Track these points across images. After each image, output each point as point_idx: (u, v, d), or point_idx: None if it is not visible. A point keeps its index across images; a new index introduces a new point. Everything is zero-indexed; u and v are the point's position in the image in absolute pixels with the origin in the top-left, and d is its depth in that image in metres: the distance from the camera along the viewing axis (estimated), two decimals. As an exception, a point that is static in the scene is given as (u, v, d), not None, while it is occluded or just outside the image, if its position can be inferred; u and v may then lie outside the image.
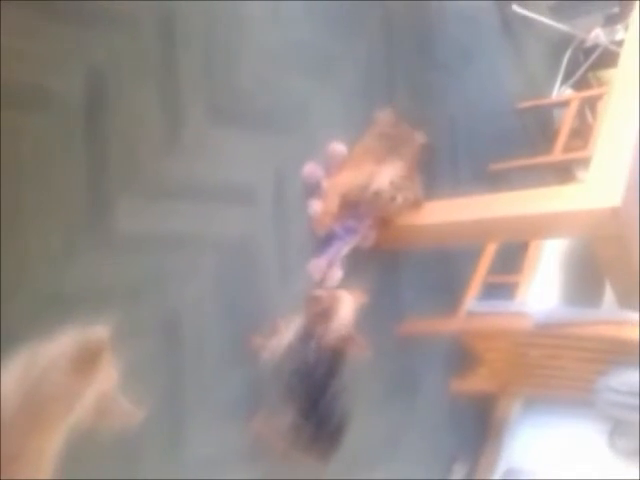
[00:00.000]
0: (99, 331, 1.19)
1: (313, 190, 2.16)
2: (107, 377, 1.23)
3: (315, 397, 1.74)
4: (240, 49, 2.04)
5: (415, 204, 2.18)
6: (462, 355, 2.49)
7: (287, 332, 1.83)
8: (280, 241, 2.07)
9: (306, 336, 1.78)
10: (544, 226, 2.01)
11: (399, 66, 2.59)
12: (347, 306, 1.78)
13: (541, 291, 2.54)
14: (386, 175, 2.12)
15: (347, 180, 2.14)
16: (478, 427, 2.76)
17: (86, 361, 1.17)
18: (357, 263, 2.21)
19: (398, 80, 2.59)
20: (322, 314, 1.77)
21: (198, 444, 1.80)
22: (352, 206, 2.13)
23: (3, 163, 1.51)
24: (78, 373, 1.18)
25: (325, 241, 2.15)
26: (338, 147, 2.25)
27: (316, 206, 2.14)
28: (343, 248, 2.16)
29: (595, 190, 1.89)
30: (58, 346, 1.21)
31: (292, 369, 1.77)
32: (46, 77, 1.60)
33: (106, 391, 1.23)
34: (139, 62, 1.78)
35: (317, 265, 2.11)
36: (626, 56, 2.20)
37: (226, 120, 1.97)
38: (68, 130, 1.63)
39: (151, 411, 1.64)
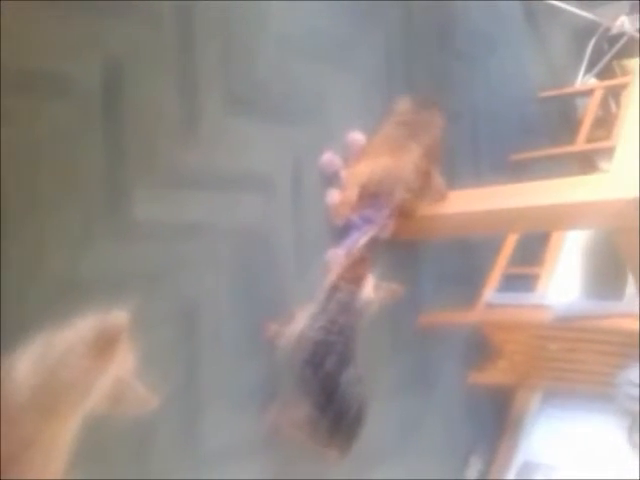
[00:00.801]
0: (117, 317, 1.19)
1: (331, 179, 2.15)
2: (124, 363, 1.24)
3: (330, 389, 1.71)
4: (258, 38, 2.02)
5: (437, 195, 2.15)
6: (480, 347, 2.47)
7: (301, 320, 1.82)
8: (297, 230, 2.06)
9: (322, 318, 1.76)
10: (566, 216, 1.98)
11: (419, 54, 2.56)
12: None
13: (562, 283, 2.51)
14: (406, 165, 2.09)
15: (366, 170, 2.11)
16: (495, 420, 2.74)
17: (103, 347, 1.17)
18: (376, 253, 2.20)
19: (418, 68, 2.55)
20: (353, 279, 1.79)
21: (212, 433, 1.80)
22: (371, 196, 2.11)
23: (21, 149, 1.52)
24: (95, 359, 1.18)
25: (343, 231, 2.13)
26: (357, 136, 2.24)
27: (334, 196, 2.13)
28: (361, 238, 2.15)
29: (617, 180, 1.85)
30: (76, 332, 1.22)
31: (304, 359, 1.75)
32: (65, 64, 1.60)
33: (122, 377, 1.23)
34: (157, 51, 1.77)
35: (335, 255, 2.10)
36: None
37: (244, 109, 1.96)
38: (86, 117, 1.63)
39: (166, 399, 1.65)
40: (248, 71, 1.99)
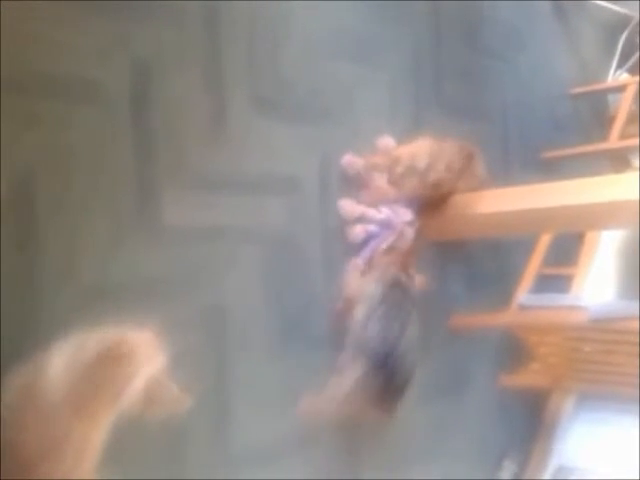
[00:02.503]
0: (147, 319, 1.19)
1: (352, 181, 2.12)
2: (156, 364, 1.23)
3: (391, 347, 1.78)
4: (284, 38, 2.01)
5: (476, 181, 2.11)
6: (513, 349, 2.43)
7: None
8: (325, 232, 2.04)
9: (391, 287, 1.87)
10: (599, 216, 1.93)
11: (447, 52, 2.53)
12: None
13: (597, 284, 2.46)
14: (449, 145, 2.05)
15: (405, 151, 2.07)
16: (529, 423, 2.69)
17: (135, 349, 1.18)
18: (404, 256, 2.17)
19: (446, 66, 2.52)
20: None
21: (242, 434, 1.80)
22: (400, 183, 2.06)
23: (51, 154, 1.52)
24: (126, 362, 1.18)
25: (362, 244, 2.11)
26: (387, 141, 2.21)
27: (347, 206, 2.09)
28: (380, 245, 2.12)
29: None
30: (107, 334, 1.22)
31: (377, 316, 1.82)
32: (93, 69, 1.61)
33: (155, 377, 1.23)
34: (184, 53, 1.77)
35: (355, 265, 2.08)
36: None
37: (270, 110, 1.95)
38: (115, 121, 1.63)
39: (197, 400, 1.65)
40: (274, 71, 1.97)
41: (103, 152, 1.60)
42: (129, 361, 1.17)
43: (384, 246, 2.12)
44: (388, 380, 1.79)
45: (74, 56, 1.58)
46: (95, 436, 1.20)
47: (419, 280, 1.99)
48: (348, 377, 1.80)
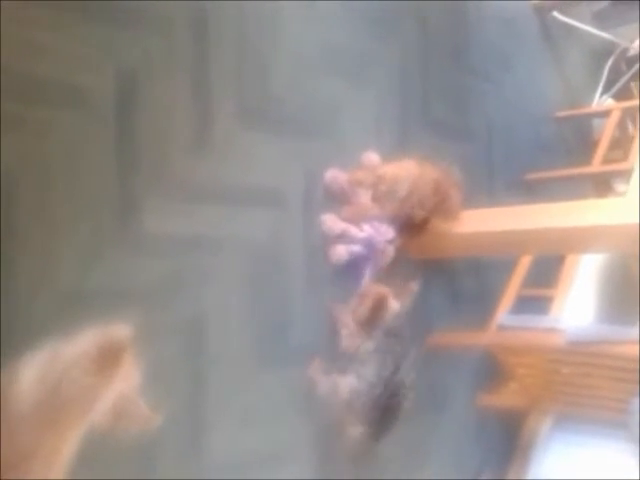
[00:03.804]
0: (121, 331, 1.17)
1: (335, 196, 2.12)
2: (128, 378, 1.22)
3: (389, 372, 1.82)
4: (273, 51, 2.01)
5: (450, 216, 2.12)
6: (492, 369, 2.43)
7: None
8: (308, 247, 2.03)
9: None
10: (581, 240, 1.95)
11: (434, 70, 2.55)
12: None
13: (576, 307, 2.47)
14: (428, 179, 2.06)
15: (390, 170, 2.08)
16: (506, 444, 2.69)
17: (107, 361, 1.16)
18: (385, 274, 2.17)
19: (433, 85, 2.54)
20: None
21: (218, 451, 1.77)
22: (380, 204, 2.07)
23: (33, 158, 1.51)
24: (99, 373, 1.16)
25: (349, 266, 2.11)
26: (372, 156, 2.21)
27: (329, 221, 2.09)
28: (371, 268, 2.13)
29: (634, 204, 1.82)
30: (80, 345, 1.20)
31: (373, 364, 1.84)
32: (78, 75, 1.60)
33: (126, 393, 1.21)
34: (171, 62, 1.76)
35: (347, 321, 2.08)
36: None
37: (257, 122, 1.95)
38: (99, 128, 1.62)
39: (171, 415, 1.63)
40: (262, 84, 1.97)
41: (86, 158, 1.59)
42: (100, 375, 1.15)
43: (375, 268, 2.13)
44: (375, 401, 1.82)
45: (60, 61, 1.57)
46: (64, 449, 1.18)
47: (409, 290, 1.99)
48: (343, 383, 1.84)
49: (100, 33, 1.64)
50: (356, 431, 1.88)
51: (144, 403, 1.26)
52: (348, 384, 1.82)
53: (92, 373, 1.15)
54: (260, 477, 1.86)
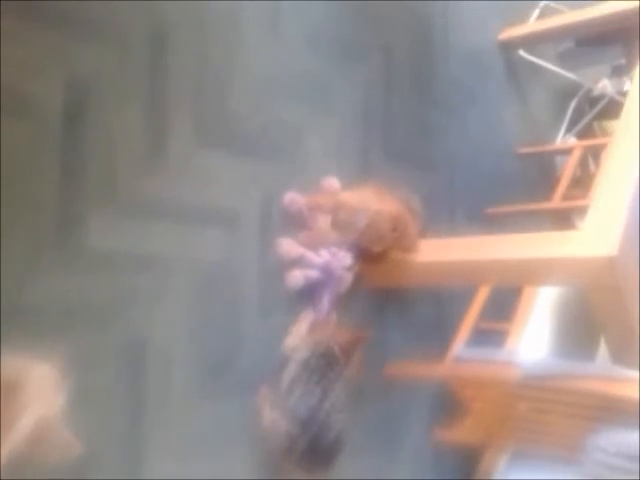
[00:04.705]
0: (57, 350, 1.10)
1: (293, 219, 2.08)
2: (48, 403, 1.14)
3: (312, 410, 1.75)
4: (234, 70, 1.99)
5: (407, 248, 2.09)
6: (448, 403, 2.38)
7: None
8: (262, 270, 1.98)
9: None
10: (537, 271, 1.93)
11: (398, 101, 2.55)
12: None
13: (532, 340, 2.45)
14: (387, 213, 2.03)
15: (349, 198, 2.05)
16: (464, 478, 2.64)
17: (31, 383, 1.09)
18: (341, 301, 2.13)
19: (396, 115, 2.54)
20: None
21: (156, 480, 1.69)
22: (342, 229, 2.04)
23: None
24: (19, 396, 1.09)
25: (305, 292, 2.07)
26: (332, 182, 2.19)
27: (285, 245, 2.05)
28: (331, 294, 2.10)
29: (591, 237, 1.81)
30: (4, 363, 1.13)
31: (292, 379, 1.80)
32: (26, 83, 1.55)
33: (45, 418, 1.13)
34: (125, 75, 1.72)
35: (306, 318, 2.04)
36: (629, 106, 2.16)
37: (214, 142, 1.91)
38: (44, 138, 1.57)
39: (105, 444, 1.55)
40: (221, 103, 1.94)
41: (28, 169, 1.54)
42: (22, 396, 1.07)
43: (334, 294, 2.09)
44: (312, 445, 1.75)
45: (8, 67, 1.52)
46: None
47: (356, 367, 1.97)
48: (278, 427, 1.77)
49: (53, 42, 1.60)
50: (299, 474, 1.82)
51: (66, 430, 1.18)
52: (284, 429, 1.76)
53: (13, 393, 1.07)
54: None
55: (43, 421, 1.12)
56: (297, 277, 2.05)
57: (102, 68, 1.67)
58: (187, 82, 1.87)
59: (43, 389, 1.11)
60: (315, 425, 1.73)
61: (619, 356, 1.98)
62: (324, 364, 1.83)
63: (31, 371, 1.08)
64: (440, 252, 2.10)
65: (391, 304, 2.38)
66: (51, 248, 1.56)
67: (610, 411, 1.94)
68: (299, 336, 1.96)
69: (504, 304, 2.52)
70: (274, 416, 1.79)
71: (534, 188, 3.03)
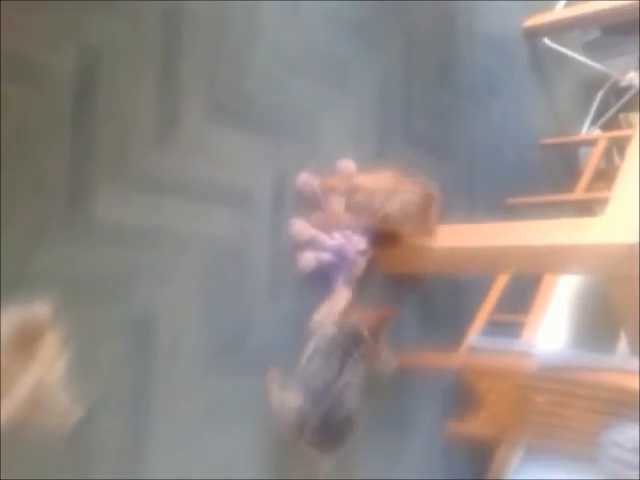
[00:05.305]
0: (42, 312, 1.08)
1: (307, 201, 2.05)
2: (50, 365, 1.12)
3: (329, 382, 1.73)
4: (251, 47, 1.96)
5: (426, 230, 2.05)
6: (462, 395, 2.33)
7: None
8: (273, 251, 1.95)
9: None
10: (558, 259, 1.88)
11: (419, 86, 2.50)
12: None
13: (550, 331, 2.39)
14: (406, 189, 1.99)
15: (365, 180, 2.01)
16: (475, 475, 2.58)
17: (25, 343, 1.07)
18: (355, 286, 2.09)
19: (416, 100, 2.49)
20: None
21: (159, 461, 1.67)
22: (357, 212, 2.00)
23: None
24: (17, 354, 1.07)
25: (316, 274, 2.04)
26: (348, 164, 2.15)
27: (298, 226, 2.01)
28: (344, 278, 2.06)
29: (612, 225, 1.77)
30: (10, 318, 1.11)
31: (311, 354, 1.79)
32: (39, 51, 1.54)
33: (46, 380, 1.11)
34: (138, 48, 1.70)
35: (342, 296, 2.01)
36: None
37: (227, 118, 1.88)
38: (56, 108, 1.55)
39: (111, 415, 1.53)
40: (236, 80, 1.91)
41: (38, 139, 1.52)
42: (17, 356, 1.05)
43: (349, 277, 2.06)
44: (323, 420, 1.72)
45: (21, 36, 1.50)
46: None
47: (387, 357, 1.95)
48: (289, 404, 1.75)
49: (67, 12, 1.58)
50: (310, 454, 1.79)
51: (66, 395, 1.15)
52: (295, 405, 1.73)
53: (10, 353, 1.05)
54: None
55: (42, 384, 1.10)
56: (309, 259, 2.02)
57: (115, 40, 1.65)
58: (202, 58, 1.84)
59: (44, 352, 1.09)
60: (328, 399, 1.71)
61: (638, 347, 1.93)
62: (351, 342, 1.82)
63: (26, 331, 1.06)
64: (458, 238, 2.05)
65: (406, 291, 2.34)
66: (60, 220, 1.54)
67: (628, 405, 1.88)
68: (330, 313, 1.93)
69: (521, 297, 2.47)
70: (284, 395, 1.77)
71: (556, 180, 2.97)
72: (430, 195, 2.05)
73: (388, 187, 1.97)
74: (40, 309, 1.09)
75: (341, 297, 2.00)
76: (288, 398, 1.75)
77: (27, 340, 1.06)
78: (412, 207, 1.98)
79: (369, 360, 1.86)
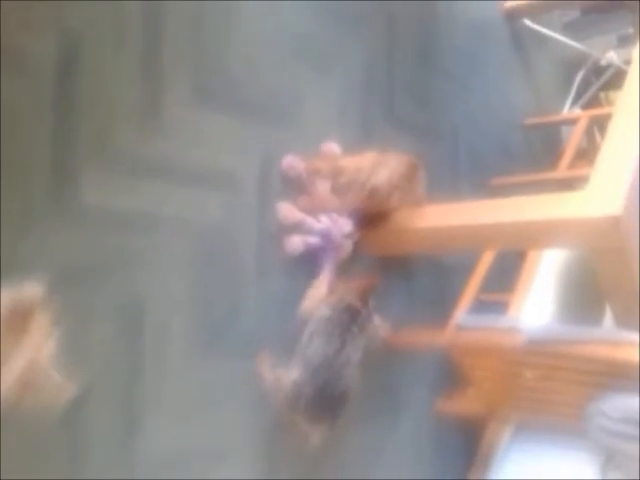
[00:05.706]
0: (33, 291, 1.08)
1: (294, 185, 2.05)
2: (40, 345, 1.12)
3: (330, 357, 1.77)
4: (234, 30, 1.94)
5: (415, 199, 2.07)
6: (450, 373, 2.36)
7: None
8: (260, 234, 1.95)
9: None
10: (542, 234, 1.90)
11: (401, 68, 2.51)
12: None
13: (536, 306, 2.41)
14: (392, 161, 2.00)
15: (350, 161, 2.03)
16: (464, 452, 2.61)
17: (16, 322, 1.07)
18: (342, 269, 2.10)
19: (399, 83, 2.50)
20: None
21: (152, 445, 1.67)
22: (342, 194, 2.01)
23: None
24: (7, 334, 1.07)
25: (304, 257, 2.05)
26: (332, 147, 2.16)
27: (284, 209, 2.02)
28: (331, 261, 2.07)
29: (596, 197, 1.78)
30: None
31: (312, 331, 1.82)
32: (18, 35, 1.51)
33: (36, 360, 1.11)
34: (120, 31, 1.69)
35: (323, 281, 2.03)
36: (635, 67, 2.12)
37: (212, 102, 1.88)
38: (36, 92, 1.54)
39: (103, 399, 1.54)
40: (220, 64, 1.91)
41: (21, 124, 1.50)
42: (11, 332, 1.05)
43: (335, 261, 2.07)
44: (319, 391, 1.74)
45: (1, 20, 1.48)
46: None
47: (381, 325, 2.01)
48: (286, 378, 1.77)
49: (45, -4, 1.56)
50: (304, 428, 1.80)
51: (57, 374, 1.16)
52: (291, 378, 1.75)
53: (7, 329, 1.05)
54: (199, 475, 1.76)
55: (34, 363, 1.10)
56: (296, 243, 2.03)
57: (97, 23, 1.64)
58: (184, 41, 1.83)
59: (35, 332, 1.09)
60: (326, 372, 1.74)
61: (623, 319, 1.95)
62: (348, 319, 1.85)
63: (16, 310, 1.06)
64: (442, 217, 2.07)
65: (393, 273, 2.35)
66: (44, 205, 1.53)
67: (614, 376, 1.91)
68: (317, 299, 1.95)
69: (506, 276, 2.49)
70: (279, 371, 1.79)
71: (539, 159, 3.00)
72: (415, 164, 2.07)
73: (373, 162, 1.99)
74: (30, 290, 1.09)
75: (322, 281, 2.01)
76: (284, 373, 1.77)
77: (18, 320, 1.06)
78: (398, 178, 2.00)
79: (367, 330, 1.89)
